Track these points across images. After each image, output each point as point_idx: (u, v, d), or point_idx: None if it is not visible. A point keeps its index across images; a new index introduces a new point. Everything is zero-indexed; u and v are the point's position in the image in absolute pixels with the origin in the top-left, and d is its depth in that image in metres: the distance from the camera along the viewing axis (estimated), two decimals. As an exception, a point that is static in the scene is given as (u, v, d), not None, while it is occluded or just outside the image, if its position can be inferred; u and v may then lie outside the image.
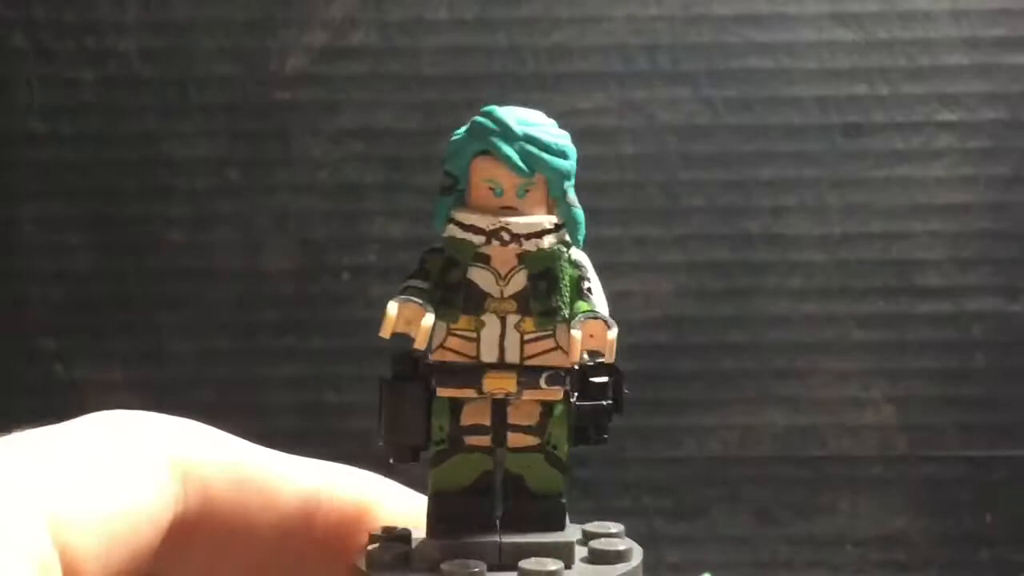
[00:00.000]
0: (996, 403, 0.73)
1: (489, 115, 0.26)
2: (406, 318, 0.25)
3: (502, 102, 0.27)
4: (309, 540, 0.28)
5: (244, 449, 0.27)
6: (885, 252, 0.72)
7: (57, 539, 0.23)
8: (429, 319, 0.25)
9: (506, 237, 0.26)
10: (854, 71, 0.72)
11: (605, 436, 0.26)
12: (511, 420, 0.26)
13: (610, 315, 0.26)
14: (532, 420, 0.26)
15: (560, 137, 0.26)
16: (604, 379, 0.26)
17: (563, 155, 0.26)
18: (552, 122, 0.26)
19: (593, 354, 0.26)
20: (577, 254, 0.26)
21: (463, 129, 0.26)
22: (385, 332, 0.25)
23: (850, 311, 0.73)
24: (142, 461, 0.25)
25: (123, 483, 0.25)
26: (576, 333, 0.25)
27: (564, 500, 0.26)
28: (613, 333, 0.25)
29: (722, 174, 0.72)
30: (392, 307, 0.25)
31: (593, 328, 0.25)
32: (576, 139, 0.24)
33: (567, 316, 0.26)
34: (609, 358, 0.25)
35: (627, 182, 0.72)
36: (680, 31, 0.72)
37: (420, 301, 0.25)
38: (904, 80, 0.72)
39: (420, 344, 0.25)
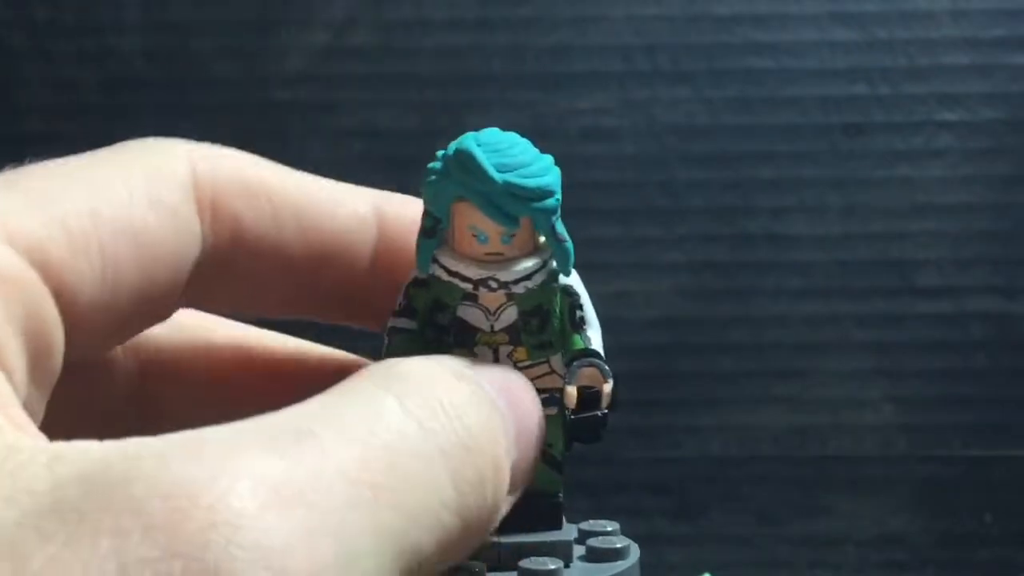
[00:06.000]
0: (996, 403, 0.72)
1: (466, 158, 0.24)
2: None
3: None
4: (352, 271, 0.27)
5: (281, 175, 0.26)
6: (885, 252, 0.72)
7: (35, 260, 0.21)
8: None
9: (494, 285, 0.25)
10: (854, 71, 0.72)
11: (599, 439, 0.26)
12: None
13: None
14: None
15: (542, 174, 0.24)
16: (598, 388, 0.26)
17: (548, 195, 0.24)
18: (528, 145, 0.25)
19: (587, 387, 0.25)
20: (569, 279, 0.26)
21: (438, 164, 0.25)
22: None
23: (850, 311, 0.73)
24: (158, 195, 0.23)
25: (127, 218, 0.22)
26: (571, 390, 0.25)
27: (561, 499, 0.26)
28: (609, 386, 0.25)
29: (722, 174, 0.72)
30: None
31: (588, 376, 0.25)
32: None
33: (557, 349, 0.25)
34: (603, 405, 0.25)
35: (627, 182, 0.72)
36: (680, 31, 0.72)
37: (403, 350, 0.25)
38: (904, 80, 0.72)
39: None
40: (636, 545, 0.26)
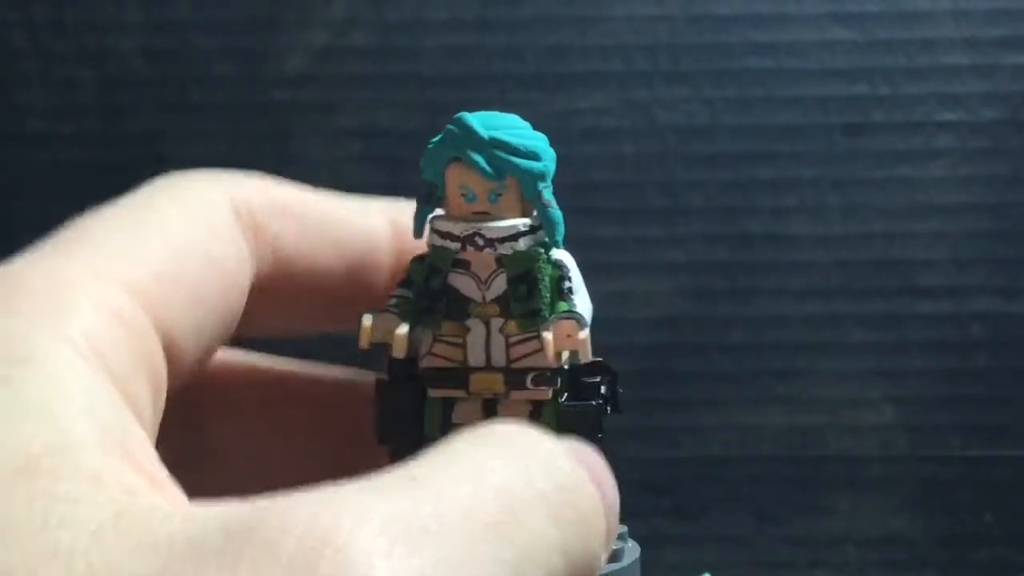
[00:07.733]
0: (996, 403, 0.73)
1: (459, 122, 0.26)
2: (383, 329, 0.26)
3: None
4: (374, 282, 0.28)
5: (302, 192, 0.28)
6: (885, 252, 0.72)
7: (146, 308, 0.22)
8: (403, 328, 0.26)
9: (480, 242, 0.26)
10: (854, 71, 0.72)
11: (600, 435, 0.26)
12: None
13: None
14: (522, 419, 0.26)
15: (531, 139, 0.26)
16: (595, 379, 0.26)
17: (534, 157, 0.26)
18: (525, 124, 0.26)
19: (574, 355, 0.26)
20: (559, 254, 0.27)
21: (438, 137, 0.26)
22: (363, 343, 0.26)
23: (850, 311, 0.73)
24: (214, 223, 0.24)
25: (202, 248, 0.24)
26: (547, 335, 0.25)
27: None
28: (584, 332, 0.25)
29: (722, 174, 0.73)
30: (367, 319, 0.26)
31: (567, 328, 0.25)
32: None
33: (548, 317, 0.26)
34: (584, 357, 0.25)
35: (627, 182, 0.72)
36: (680, 31, 0.72)
37: (396, 311, 0.26)
38: (904, 80, 0.72)
39: (398, 353, 0.26)
40: (636, 544, 0.26)
